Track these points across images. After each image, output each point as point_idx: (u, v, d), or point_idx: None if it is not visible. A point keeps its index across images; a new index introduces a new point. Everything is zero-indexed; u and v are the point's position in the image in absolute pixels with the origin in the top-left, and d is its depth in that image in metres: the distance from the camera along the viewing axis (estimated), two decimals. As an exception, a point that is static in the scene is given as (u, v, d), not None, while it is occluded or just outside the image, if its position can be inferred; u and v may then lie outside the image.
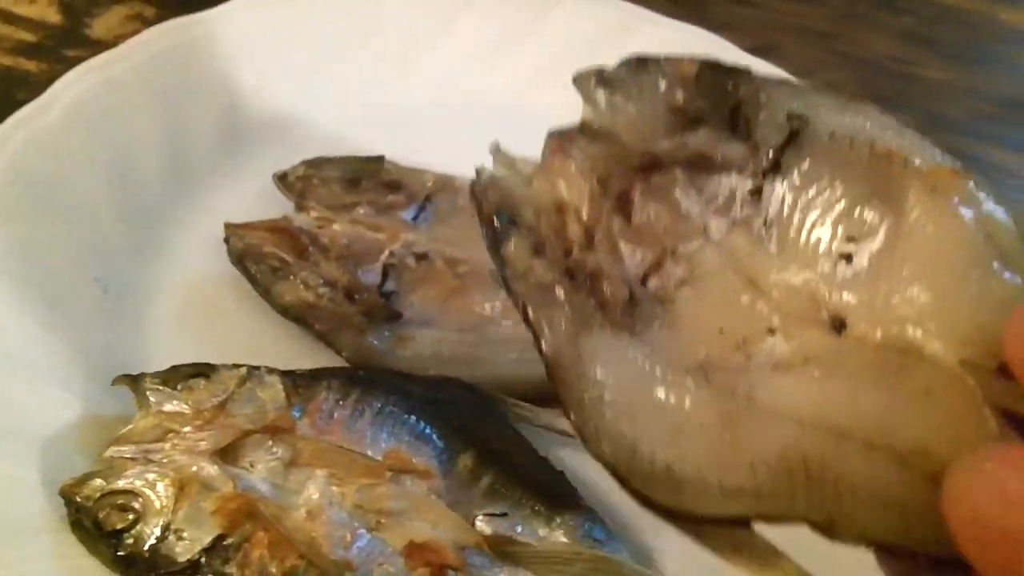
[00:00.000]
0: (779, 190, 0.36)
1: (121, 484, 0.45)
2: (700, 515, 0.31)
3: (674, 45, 0.69)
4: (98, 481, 0.46)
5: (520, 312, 0.34)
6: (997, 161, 0.76)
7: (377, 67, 0.70)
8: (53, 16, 0.76)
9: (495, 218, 0.35)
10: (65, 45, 0.74)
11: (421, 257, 0.58)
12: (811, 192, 0.35)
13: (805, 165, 0.35)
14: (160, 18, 0.75)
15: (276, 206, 0.60)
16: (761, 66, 0.68)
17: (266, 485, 0.46)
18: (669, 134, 0.37)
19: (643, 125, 0.37)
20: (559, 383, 0.33)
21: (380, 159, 0.62)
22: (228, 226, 0.57)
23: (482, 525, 0.47)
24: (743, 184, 0.36)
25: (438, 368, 0.54)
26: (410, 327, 0.56)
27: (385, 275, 0.57)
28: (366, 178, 0.61)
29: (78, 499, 0.45)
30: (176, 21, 0.67)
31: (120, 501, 0.45)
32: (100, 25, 0.76)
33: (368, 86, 0.70)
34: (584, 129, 0.37)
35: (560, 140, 0.37)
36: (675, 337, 0.34)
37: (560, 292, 0.34)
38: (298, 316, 0.55)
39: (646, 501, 0.31)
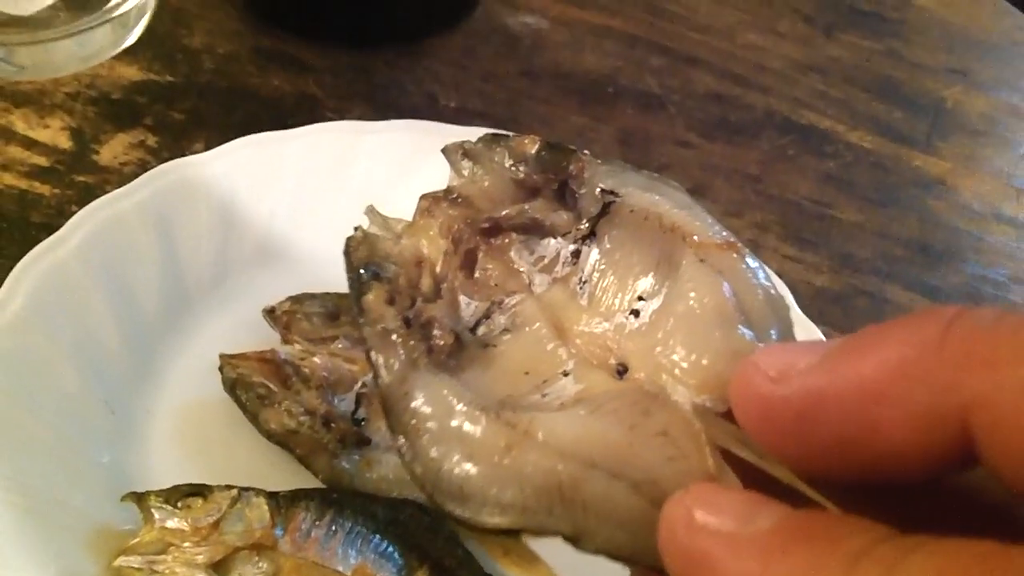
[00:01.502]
0: (593, 253, 0.42)
1: (131, 592, 0.54)
2: (482, 524, 0.35)
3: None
4: (110, 589, 0.54)
5: (365, 354, 0.39)
6: (904, 301, 0.85)
7: (356, 203, 0.79)
8: (64, 142, 0.84)
9: (361, 270, 0.41)
10: (75, 170, 0.82)
11: (388, 388, 0.67)
12: (616, 256, 0.42)
13: (613, 233, 0.42)
14: (160, 145, 0.84)
15: (266, 335, 0.69)
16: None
17: (252, 596, 0.55)
18: (513, 202, 0.43)
19: (493, 193, 0.43)
20: (389, 413, 0.37)
21: (355, 296, 0.71)
22: (223, 357, 0.66)
23: (434, 635, 0.55)
24: (566, 247, 0.43)
25: (400, 489, 0.63)
26: (377, 452, 0.64)
27: (358, 403, 0.66)
28: (344, 312, 0.70)
29: (93, 604, 0.54)
30: (176, 162, 0.76)
31: (130, 607, 0.54)
32: (106, 151, 0.84)
33: (349, 221, 0.78)
34: (448, 193, 0.43)
35: (429, 202, 0.44)
36: (486, 377, 0.40)
37: (397, 337, 0.39)
38: (280, 441, 0.64)
39: (444, 511, 0.36)
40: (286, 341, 0.68)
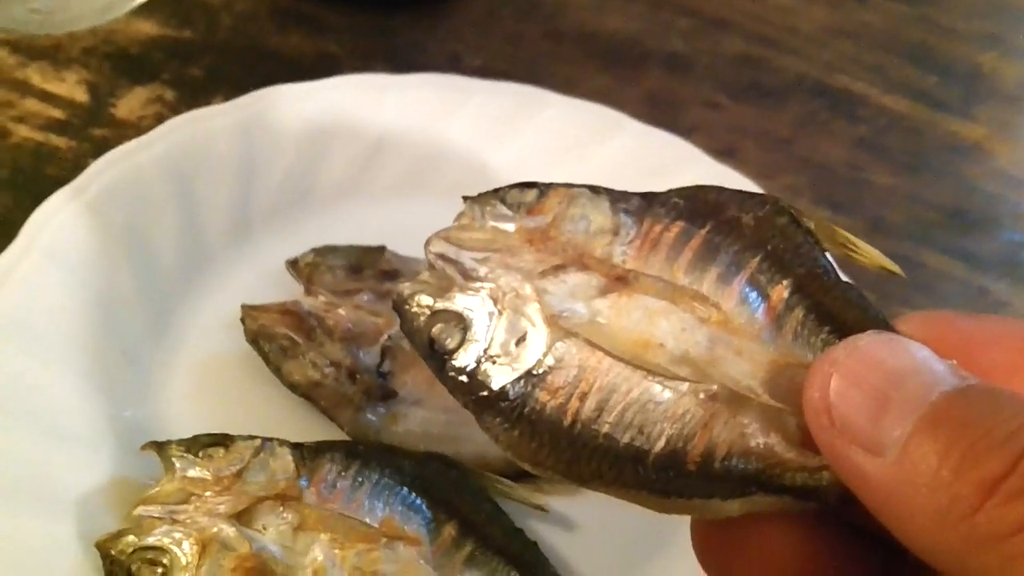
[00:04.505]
0: None
1: (151, 541, 0.52)
2: None
3: (647, 149, 0.78)
4: (130, 537, 0.52)
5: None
6: (937, 266, 0.83)
7: (380, 156, 0.77)
8: (80, 96, 0.82)
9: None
10: (91, 124, 0.80)
11: (414, 341, 0.65)
12: None
13: None
14: (178, 100, 0.83)
15: (287, 288, 0.67)
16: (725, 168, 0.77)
17: (276, 547, 0.53)
18: None
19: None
20: None
21: (381, 249, 0.69)
22: (245, 308, 0.64)
23: (462, 587, 0.53)
24: None
25: (426, 444, 0.61)
26: (403, 405, 0.63)
27: (383, 357, 0.64)
28: (368, 266, 0.68)
29: (113, 553, 0.52)
30: (195, 112, 0.74)
31: (150, 556, 0.51)
32: (123, 105, 0.82)
33: (372, 173, 0.77)
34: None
35: None
36: None
37: None
38: (305, 393, 0.62)
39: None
40: (309, 293, 0.66)
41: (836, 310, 0.38)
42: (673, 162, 0.78)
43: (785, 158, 0.89)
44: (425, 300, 0.40)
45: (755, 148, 0.90)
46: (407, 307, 0.40)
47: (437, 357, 0.39)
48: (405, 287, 0.40)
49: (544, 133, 0.80)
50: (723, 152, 0.82)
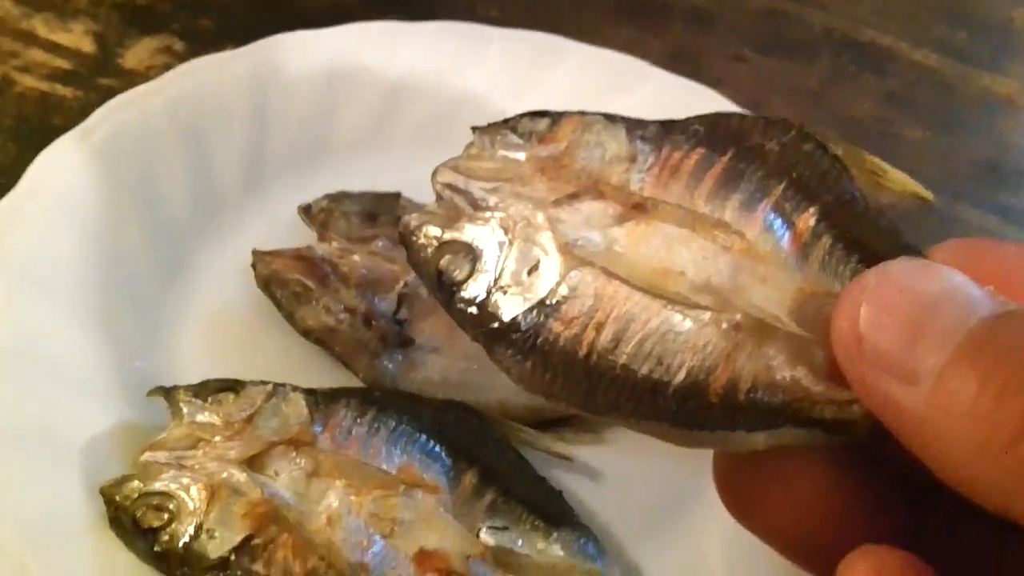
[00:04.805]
0: None
1: (157, 486, 0.50)
2: None
3: (672, 98, 0.75)
4: (135, 483, 0.50)
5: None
6: (972, 220, 0.81)
7: (395, 104, 0.75)
8: (87, 45, 0.80)
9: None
10: (98, 74, 0.78)
11: (432, 287, 0.62)
12: None
13: None
14: (187, 51, 0.80)
15: (299, 235, 0.65)
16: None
17: (289, 493, 0.50)
18: None
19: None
20: None
21: (397, 195, 0.66)
22: (256, 253, 0.62)
23: (485, 537, 0.51)
24: None
25: (445, 392, 0.58)
26: (420, 353, 0.60)
27: (399, 304, 0.61)
28: (383, 213, 0.65)
29: (117, 499, 0.49)
30: (206, 59, 0.72)
31: (156, 502, 0.49)
32: (131, 56, 0.80)
33: (388, 122, 0.74)
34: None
35: None
36: None
37: None
38: (319, 339, 0.60)
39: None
40: (322, 240, 0.64)
41: (866, 238, 0.36)
42: (700, 112, 0.75)
43: (814, 112, 0.87)
44: (432, 231, 0.38)
45: (783, 102, 0.87)
46: (414, 238, 0.39)
47: (445, 289, 0.38)
48: (412, 218, 0.39)
49: (565, 82, 0.77)
50: (750, 106, 0.79)
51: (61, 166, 0.63)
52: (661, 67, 0.79)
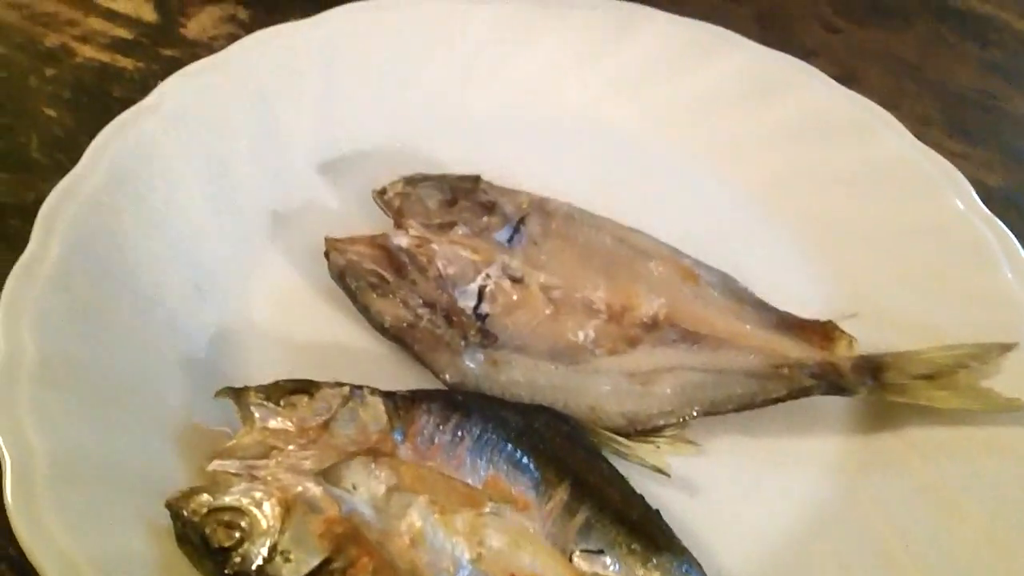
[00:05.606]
0: None
1: (228, 501, 0.46)
2: None
3: (761, 71, 0.70)
4: (205, 496, 0.46)
5: None
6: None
7: (468, 80, 0.71)
8: (148, 14, 0.76)
9: None
10: (160, 44, 0.74)
11: (516, 280, 0.58)
12: None
13: None
14: (252, 20, 0.76)
15: (372, 219, 0.61)
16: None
17: (369, 509, 0.46)
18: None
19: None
20: None
21: (476, 179, 0.62)
22: (329, 240, 0.58)
23: (579, 561, 0.47)
24: None
25: (531, 395, 0.55)
26: (505, 351, 0.56)
27: (480, 297, 0.57)
28: (462, 197, 0.61)
29: (185, 513, 0.45)
30: (272, 30, 0.68)
31: (227, 518, 0.45)
32: (194, 25, 0.76)
33: (460, 99, 0.70)
34: None
35: None
36: None
37: None
38: (396, 335, 0.56)
39: None
40: (399, 226, 0.60)
41: None
42: (787, 83, 0.70)
43: (912, 83, 0.81)
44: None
45: (879, 73, 0.82)
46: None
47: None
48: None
49: (647, 51, 0.72)
50: (844, 78, 0.74)
51: (120, 145, 0.59)
52: (747, 36, 0.75)
